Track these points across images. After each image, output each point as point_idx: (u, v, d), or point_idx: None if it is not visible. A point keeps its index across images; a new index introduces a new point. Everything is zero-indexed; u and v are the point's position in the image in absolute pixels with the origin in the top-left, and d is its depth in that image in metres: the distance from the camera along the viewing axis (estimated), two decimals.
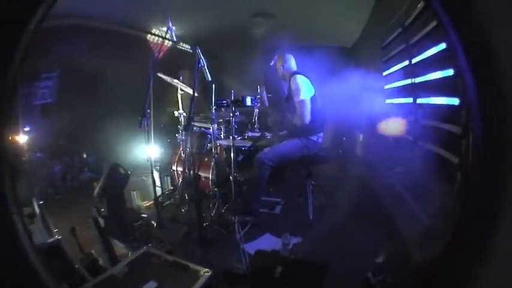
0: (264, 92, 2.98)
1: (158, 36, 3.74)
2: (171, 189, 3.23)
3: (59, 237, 1.88)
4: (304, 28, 3.52)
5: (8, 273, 0.94)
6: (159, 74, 2.80)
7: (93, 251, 2.06)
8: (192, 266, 1.64)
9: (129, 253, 2.08)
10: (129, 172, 2.68)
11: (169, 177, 3.30)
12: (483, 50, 0.92)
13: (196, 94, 2.37)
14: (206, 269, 1.61)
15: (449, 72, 1.82)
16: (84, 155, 3.39)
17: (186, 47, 3.81)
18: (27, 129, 2.71)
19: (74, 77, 3.10)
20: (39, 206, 2.20)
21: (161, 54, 3.56)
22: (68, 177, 3.21)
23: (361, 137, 3.19)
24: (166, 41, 3.61)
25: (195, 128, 3.01)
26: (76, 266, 1.84)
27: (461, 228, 1.01)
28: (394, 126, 2.56)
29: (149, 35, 3.75)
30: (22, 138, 2.59)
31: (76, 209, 2.58)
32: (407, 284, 1.62)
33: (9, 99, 0.94)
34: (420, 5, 2.07)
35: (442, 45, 1.86)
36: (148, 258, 1.78)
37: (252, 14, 3.54)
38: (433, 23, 1.89)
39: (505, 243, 0.93)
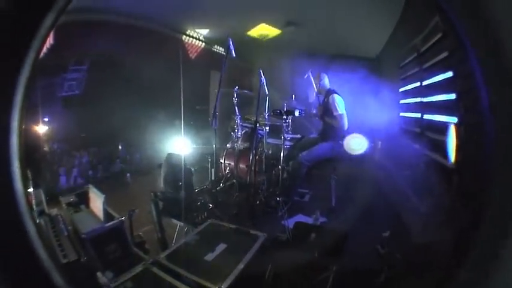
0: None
1: (194, 37, 3.96)
2: (214, 180, 3.54)
3: (123, 218, 2.08)
4: (332, 38, 3.82)
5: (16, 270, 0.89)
6: (220, 89, 3.25)
7: (141, 233, 2.34)
8: (252, 231, 2.17)
9: (175, 233, 2.46)
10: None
11: (213, 169, 3.55)
12: (499, 68, 0.94)
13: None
14: (263, 233, 2.12)
15: (452, 96, 2.27)
16: (120, 147, 3.55)
17: (220, 49, 4.05)
18: (46, 119, 2.77)
19: (105, 71, 3.24)
20: (96, 187, 2.47)
21: (195, 55, 3.94)
22: (99, 167, 3.36)
23: (379, 144, 3.72)
24: (199, 42, 3.94)
25: (247, 128, 3.63)
26: (132, 247, 2.07)
27: (475, 229, 1.02)
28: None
29: (184, 36, 3.94)
30: (41, 129, 2.72)
31: (114, 198, 2.67)
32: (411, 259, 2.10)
33: (25, 91, 0.89)
34: (437, 37, 2.35)
35: (449, 74, 2.27)
36: (214, 227, 2.24)
37: (284, 23, 3.82)
38: (444, 54, 2.29)
39: None
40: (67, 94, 3.08)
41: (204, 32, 3.99)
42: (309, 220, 2.80)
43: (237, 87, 3.60)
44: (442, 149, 2.36)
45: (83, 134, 3.29)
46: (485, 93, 1.00)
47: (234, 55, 3.12)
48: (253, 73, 3.72)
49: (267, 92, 3.29)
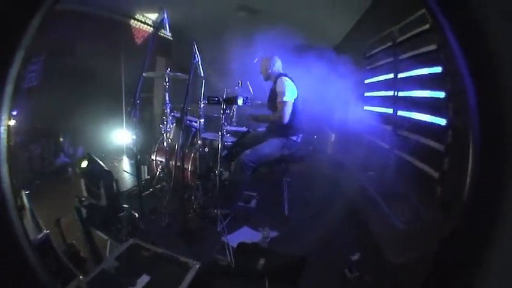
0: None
1: (142, 22, 3.77)
2: (147, 178, 3.14)
3: (47, 232, 1.85)
4: (288, 24, 3.34)
5: (6, 272, 0.91)
6: (144, 74, 2.65)
7: (74, 242, 2.05)
8: (181, 258, 1.67)
9: (108, 243, 2.08)
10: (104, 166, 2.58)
11: (145, 166, 3.18)
12: (488, 69, 0.90)
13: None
14: (195, 261, 1.64)
15: (439, 94, 1.86)
16: (61, 139, 3.32)
17: (167, 34, 3.68)
18: (14, 113, 2.62)
19: (57, 61, 3.15)
20: (27, 196, 2.15)
21: (142, 40, 3.77)
22: (46, 161, 3.15)
23: (332, 136, 3.31)
24: (147, 27, 3.79)
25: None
26: (64, 261, 1.80)
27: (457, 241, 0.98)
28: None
29: (132, 20, 3.78)
30: (11, 123, 2.38)
31: (54, 196, 2.57)
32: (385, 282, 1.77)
33: (14, 90, 0.94)
34: (423, 27, 2.03)
35: (437, 69, 1.89)
36: (136, 250, 1.81)
37: (236, 7, 3.54)
38: (431, 47, 1.93)
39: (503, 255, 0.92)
40: (28, 86, 3.12)
41: (152, 16, 3.79)
42: (256, 235, 2.25)
43: (169, 69, 2.99)
44: (423, 153, 2.01)
45: (38, 126, 3.25)
46: (472, 95, 0.95)
47: (168, 30, 2.52)
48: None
49: (202, 74, 2.57)
